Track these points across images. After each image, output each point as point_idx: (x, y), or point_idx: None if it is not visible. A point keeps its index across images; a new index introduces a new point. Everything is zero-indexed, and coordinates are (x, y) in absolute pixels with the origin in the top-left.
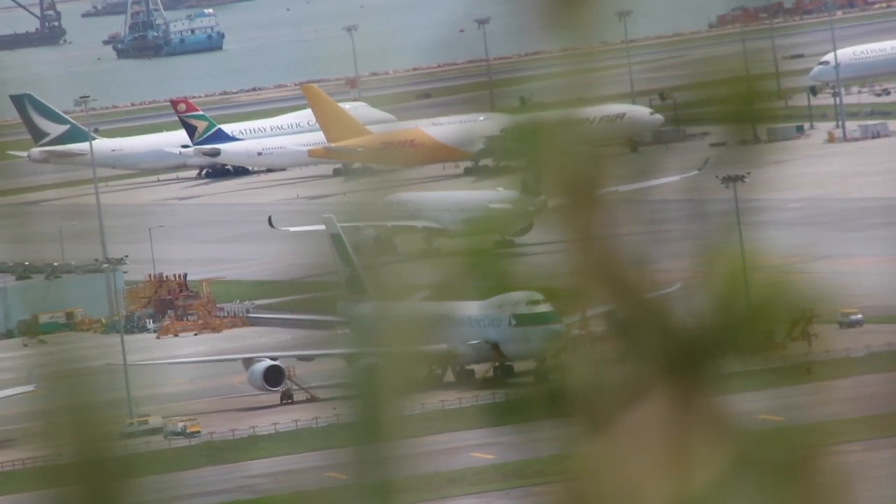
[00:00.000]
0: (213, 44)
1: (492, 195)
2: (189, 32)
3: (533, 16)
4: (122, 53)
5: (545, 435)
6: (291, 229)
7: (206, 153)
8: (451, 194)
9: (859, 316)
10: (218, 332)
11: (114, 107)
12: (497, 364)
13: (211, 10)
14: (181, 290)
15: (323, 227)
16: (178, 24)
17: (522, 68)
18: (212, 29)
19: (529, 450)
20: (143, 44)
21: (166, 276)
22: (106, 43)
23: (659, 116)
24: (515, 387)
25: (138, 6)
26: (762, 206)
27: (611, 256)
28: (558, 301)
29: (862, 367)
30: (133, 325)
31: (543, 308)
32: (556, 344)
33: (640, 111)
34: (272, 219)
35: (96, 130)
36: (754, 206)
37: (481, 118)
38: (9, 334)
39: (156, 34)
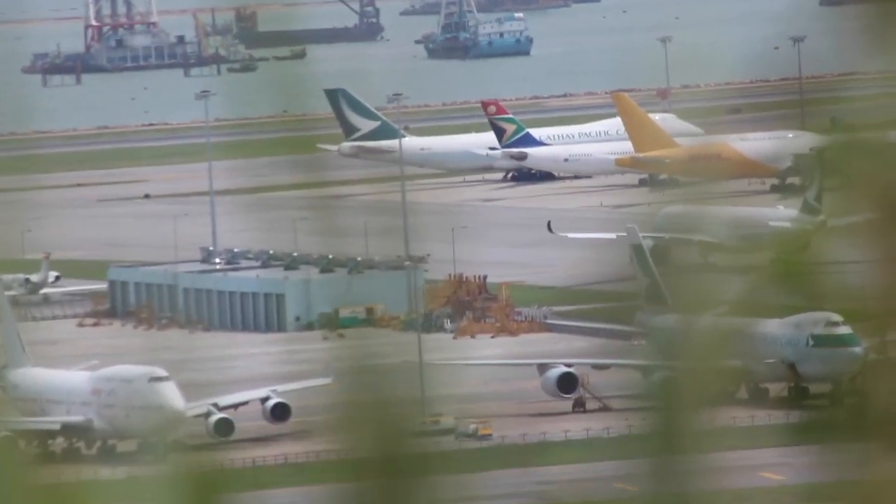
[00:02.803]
0: (520, 48)
1: (771, 212)
2: (498, 35)
3: (850, 37)
4: (432, 53)
5: (840, 458)
6: (570, 235)
7: (513, 156)
8: (729, 209)
9: None
10: (514, 335)
11: (424, 105)
12: (792, 384)
13: (521, 15)
14: (480, 292)
15: (604, 235)
16: (487, 26)
17: (835, 88)
18: (520, 33)
19: (823, 472)
20: (453, 44)
21: (466, 277)
22: (418, 42)
23: None
24: (810, 408)
25: (454, 6)
26: None
27: None
28: (858, 322)
29: None
30: (431, 324)
31: (843, 330)
32: (855, 367)
33: None
34: (551, 224)
35: (406, 128)
36: None
37: (790, 136)
38: (309, 326)
39: (466, 35)
